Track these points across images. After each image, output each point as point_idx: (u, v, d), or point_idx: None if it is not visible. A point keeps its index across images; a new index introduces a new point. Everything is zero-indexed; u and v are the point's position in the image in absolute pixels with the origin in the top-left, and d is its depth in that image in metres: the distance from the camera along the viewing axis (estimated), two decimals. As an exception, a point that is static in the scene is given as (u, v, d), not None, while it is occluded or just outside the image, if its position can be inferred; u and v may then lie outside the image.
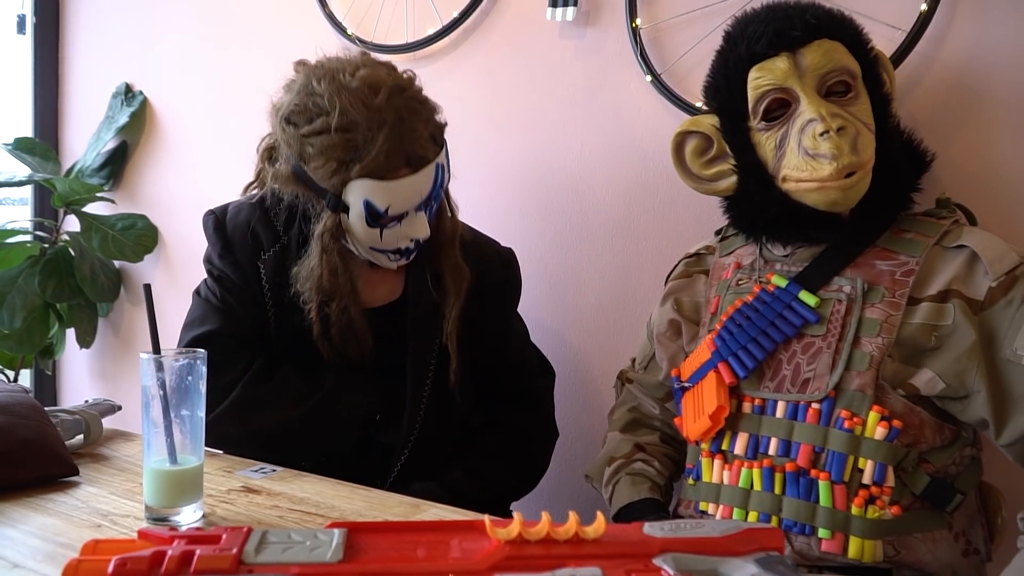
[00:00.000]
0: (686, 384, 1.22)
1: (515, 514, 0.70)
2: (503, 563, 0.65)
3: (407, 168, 1.20)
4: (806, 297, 1.12)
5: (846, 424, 1.04)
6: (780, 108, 1.14)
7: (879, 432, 1.03)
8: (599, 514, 0.71)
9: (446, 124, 1.29)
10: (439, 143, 1.26)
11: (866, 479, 1.03)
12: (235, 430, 1.28)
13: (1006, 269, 1.03)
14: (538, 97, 1.76)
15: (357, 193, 1.20)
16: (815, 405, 1.07)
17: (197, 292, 1.39)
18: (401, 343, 1.35)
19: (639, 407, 1.38)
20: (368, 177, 1.18)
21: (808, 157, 1.09)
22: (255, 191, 1.38)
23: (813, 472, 1.06)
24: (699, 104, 1.54)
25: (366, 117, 1.16)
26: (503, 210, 1.79)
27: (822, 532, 1.04)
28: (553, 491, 1.61)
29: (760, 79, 1.14)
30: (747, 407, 1.13)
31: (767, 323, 1.14)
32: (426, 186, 1.23)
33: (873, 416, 1.04)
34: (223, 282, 1.36)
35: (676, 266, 1.39)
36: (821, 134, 1.08)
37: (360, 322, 1.30)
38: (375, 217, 1.22)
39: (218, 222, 1.36)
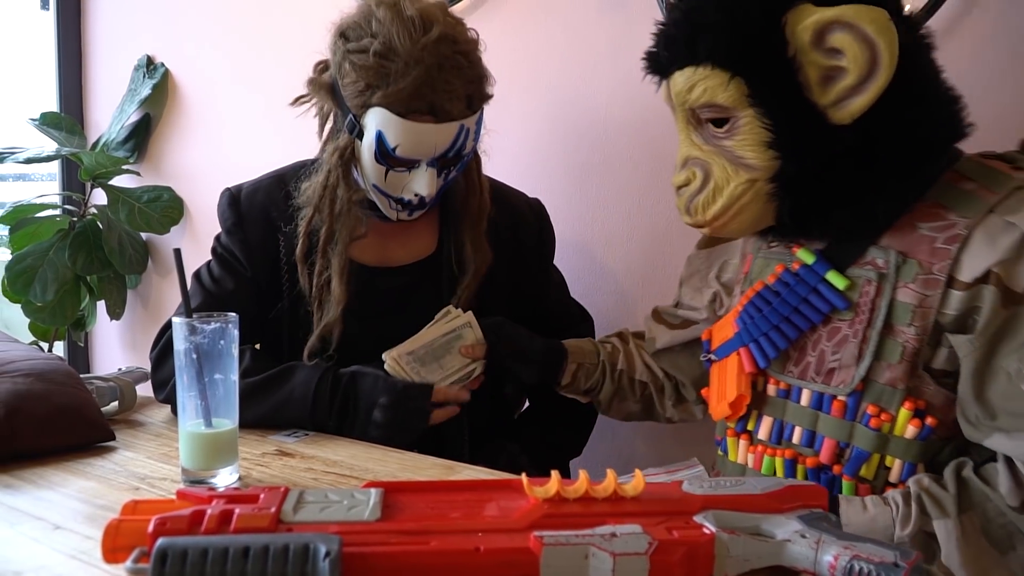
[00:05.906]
0: (713, 356, 1.15)
1: (553, 473, 0.69)
2: (541, 521, 0.65)
3: (429, 116, 1.17)
4: (834, 279, 0.98)
5: (872, 422, 0.95)
6: None
7: (909, 431, 0.94)
8: (637, 472, 0.71)
9: (491, 96, 1.25)
10: (473, 108, 1.22)
11: (892, 477, 0.96)
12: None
13: None
14: (562, 54, 1.73)
15: (373, 122, 1.18)
16: (841, 397, 0.98)
17: (196, 275, 1.36)
18: (407, 305, 1.34)
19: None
20: (386, 108, 1.16)
21: None
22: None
23: (836, 468, 0.99)
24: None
25: (407, 50, 1.14)
26: (528, 169, 1.77)
27: None
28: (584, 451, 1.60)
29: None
30: (772, 389, 1.06)
31: (791, 309, 1.01)
32: (443, 142, 1.19)
33: (904, 413, 0.94)
34: (224, 262, 1.34)
35: None
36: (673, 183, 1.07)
37: (341, 261, 1.25)
38: (383, 154, 1.19)
39: (233, 198, 1.36)
